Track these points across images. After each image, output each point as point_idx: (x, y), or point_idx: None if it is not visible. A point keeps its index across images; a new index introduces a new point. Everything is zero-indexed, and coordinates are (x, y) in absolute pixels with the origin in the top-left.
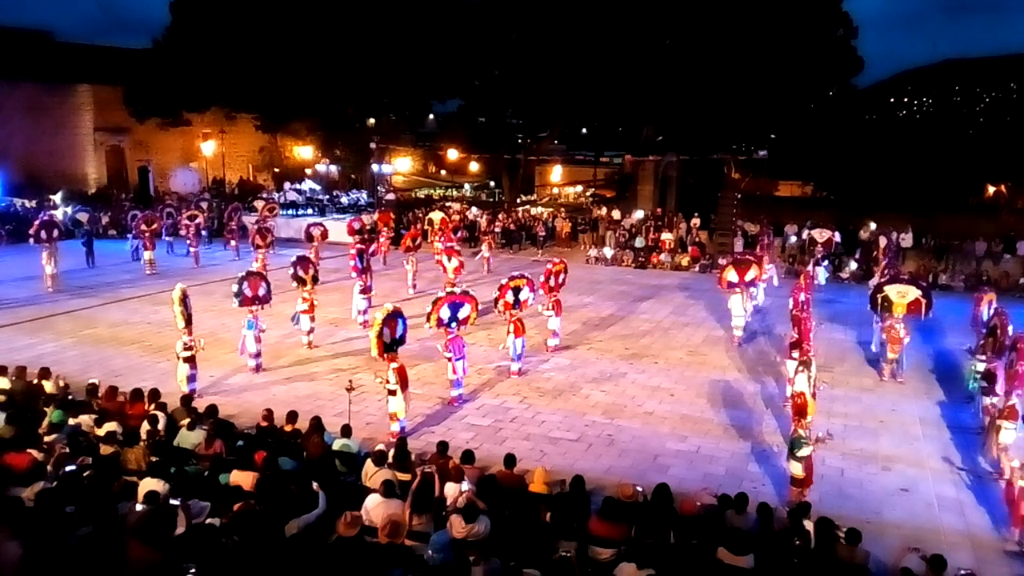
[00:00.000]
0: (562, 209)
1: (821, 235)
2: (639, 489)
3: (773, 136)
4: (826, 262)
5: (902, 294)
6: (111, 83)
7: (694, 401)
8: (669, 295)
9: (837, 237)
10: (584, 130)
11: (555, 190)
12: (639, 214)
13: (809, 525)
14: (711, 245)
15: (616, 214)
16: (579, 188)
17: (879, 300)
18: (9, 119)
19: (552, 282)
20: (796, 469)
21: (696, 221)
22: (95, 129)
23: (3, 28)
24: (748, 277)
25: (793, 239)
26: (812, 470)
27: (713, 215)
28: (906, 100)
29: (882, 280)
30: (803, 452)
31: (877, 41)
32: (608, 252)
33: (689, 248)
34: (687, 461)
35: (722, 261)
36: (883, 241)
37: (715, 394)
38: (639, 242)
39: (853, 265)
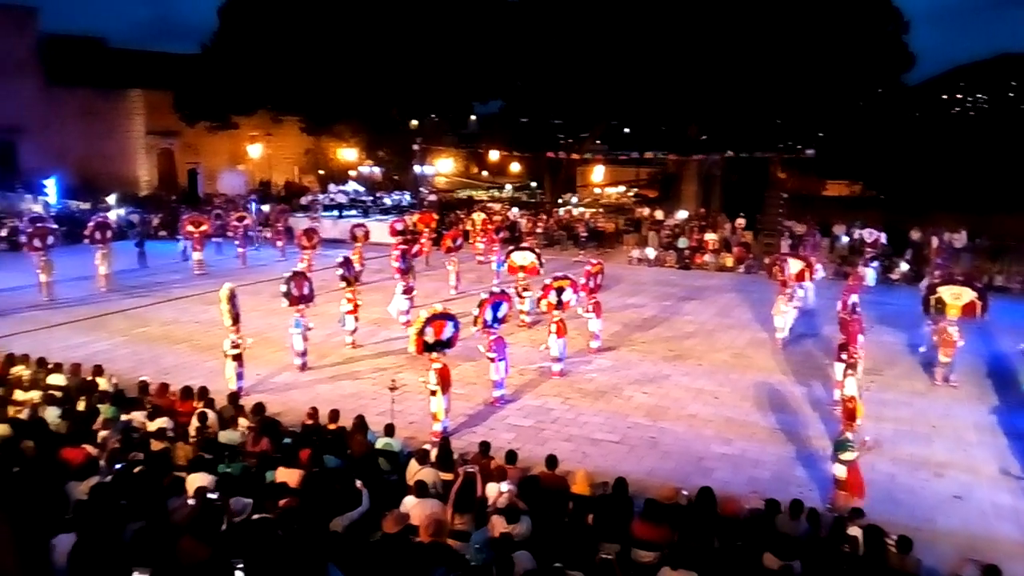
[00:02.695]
0: (601, 209)
1: (870, 235)
2: (684, 492)
3: (821, 134)
4: (875, 263)
5: (956, 296)
6: (162, 88)
7: (739, 404)
8: (713, 296)
9: (885, 238)
10: (627, 129)
11: (597, 190)
12: (683, 214)
13: (858, 532)
14: (756, 245)
15: (659, 214)
16: (621, 188)
17: (932, 302)
18: (65, 124)
19: (591, 283)
20: (840, 472)
21: (741, 221)
22: (146, 133)
23: (60, 36)
24: (794, 270)
25: (843, 239)
26: (858, 475)
27: (758, 215)
28: (959, 96)
29: (935, 281)
30: (847, 455)
31: (928, 36)
32: (651, 253)
33: (734, 249)
34: (731, 464)
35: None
36: (935, 241)
37: (760, 397)
38: (682, 242)
39: (904, 266)
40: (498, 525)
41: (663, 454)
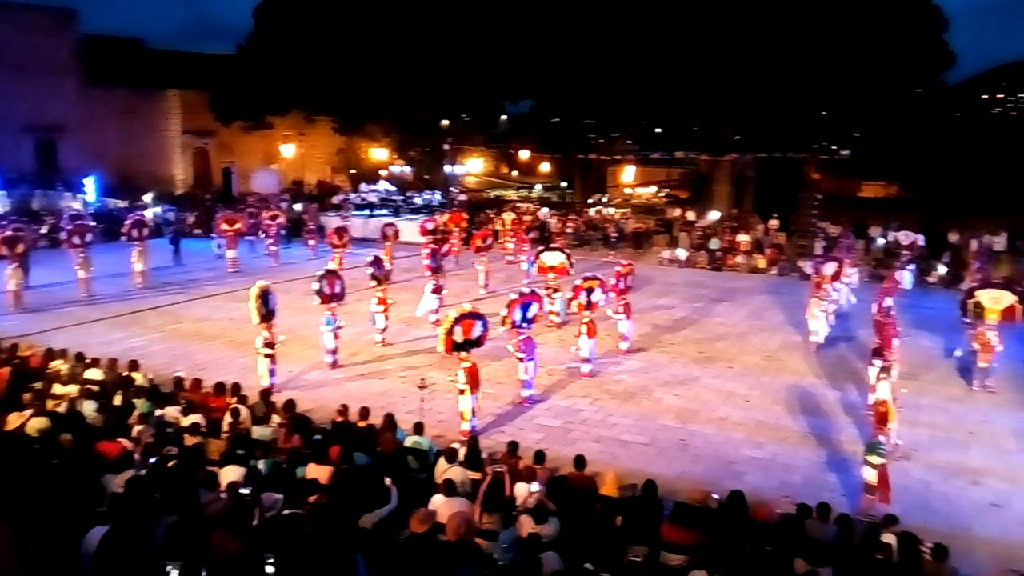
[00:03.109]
0: (631, 210)
1: (907, 238)
2: (714, 496)
3: (857, 135)
4: (912, 266)
5: (995, 299)
6: (198, 88)
7: (770, 407)
8: (745, 298)
9: (923, 240)
10: (658, 129)
11: (628, 190)
12: (714, 215)
13: (892, 539)
14: (789, 247)
15: (691, 215)
16: (653, 189)
17: (971, 306)
18: (104, 124)
19: (622, 284)
20: (870, 475)
21: (774, 222)
22: (182, 132)
23: (99, 37)
24: (829, 271)
25: (879, 242)
26: (887, 480)
27: (792, 216)
28: (1000, 96)
29: (974, 285)
30: (877, 459)
31: (969, 35)
32: (682, 254)
33: (766, 250)
34: (762, 468)
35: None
36: (974, 244)
37: (792, 400)
38: (714, 244)
39: (941, 269)
40: (526, 525)
41: (693, 457)
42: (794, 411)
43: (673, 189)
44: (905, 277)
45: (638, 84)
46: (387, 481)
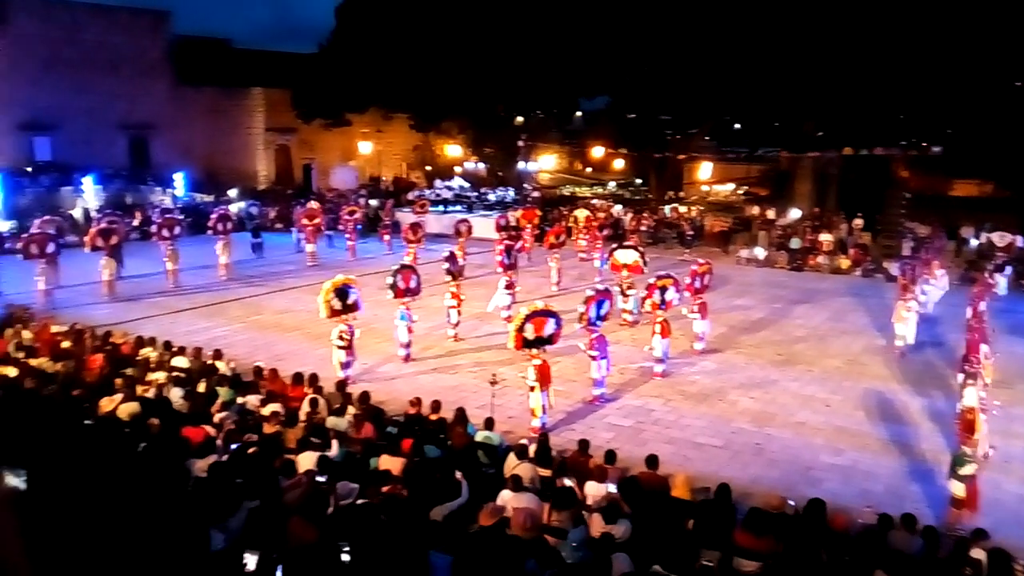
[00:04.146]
0: (708, 207)
1: (1002, 239)
2: (791, 503)
3: (949, 130)
4: (1007, 269)
5: None
6: (280, 86)
7: (851, 413)
8: (826, 300)
9: (1020, 241)
10: (737, 125)
11: (705, 188)
12: (795, 213)
13: (982, 555)
14: (875, 248)
15: (771, 213)
16: (731, 186)
17: None
18: (193, 122)
19: (698, 283)
20: (957, 489)
21: (859, 222)
22: (265, 129)
23: (189, 37)
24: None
25: (971, 243)
26: (976, 493)
27: (878, 215)
28: None
29: None
30: (966, 471)
31: None
32: (760, 253)
33: (850, 250)
34: (842, 476)
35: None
36: None
37: (874, 406)
38: (795, 243)
39: None
40: (596, 524)
41: (769, 462)
42: (876, 417)
43: (752, 186)
44: (1000, 281)
45: (718, 78)
46: (458, 475)
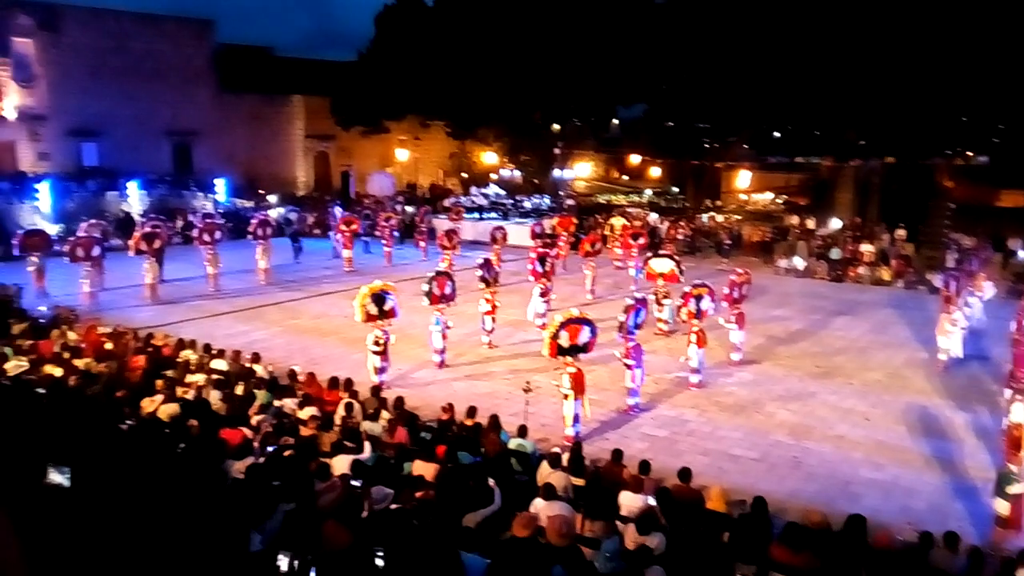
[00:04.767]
0: (745, 216)
1: None
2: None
3: (996, 140)
4: None
5: None
6: (320, 94)
7: (892, 427)
8: (867, 311)
9: None
10: (777, 133)
11: (743, 196)
12: (836, 223)
13: None
14: (918, 259)
15: (810, 223)
16: (770, 195)
17: None
18: (234, 128)
19: (736, 293)
20: (1002, 508)
21: (901, 232)
22: (305, 136)
23: (231, 45)
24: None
25: (1019, 255)
26: (1021, 510)
27: (921, 226)
28: None
29: None
30: (1013, 489)
31: None
32: (799, 263)
33: (892, 261)
34: (882, 491)
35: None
36: None
37: (916, 421)
38: (835, 253)
39: None
40: (630, 535)
41: (807, 475)
42: (918, 432)
43: (791, 195)
44: None
45: (757, 86)
46: (491, 482)
